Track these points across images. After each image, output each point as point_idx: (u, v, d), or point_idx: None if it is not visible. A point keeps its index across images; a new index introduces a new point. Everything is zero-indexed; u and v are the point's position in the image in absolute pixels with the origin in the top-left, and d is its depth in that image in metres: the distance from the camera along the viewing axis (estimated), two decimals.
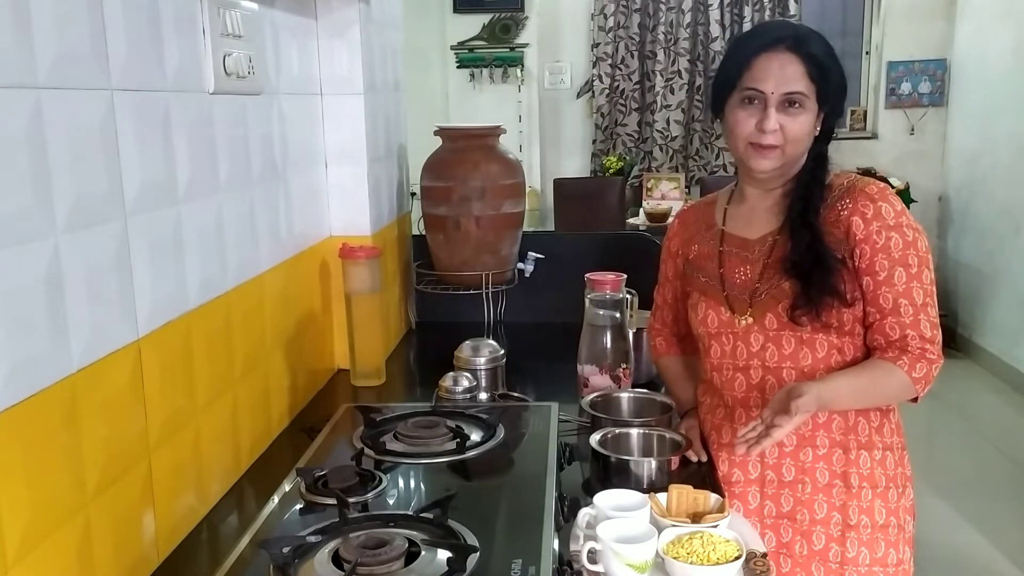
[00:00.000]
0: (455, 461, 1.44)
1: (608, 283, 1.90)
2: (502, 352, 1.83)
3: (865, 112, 6.05)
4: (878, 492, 1.47)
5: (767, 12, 5.68)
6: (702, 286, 1.58)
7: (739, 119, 1.46)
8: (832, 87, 1.44)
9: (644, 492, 1.31)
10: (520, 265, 2.45)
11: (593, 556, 1.17)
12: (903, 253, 1.41)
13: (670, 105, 5.89)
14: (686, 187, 5.60)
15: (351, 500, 1.25)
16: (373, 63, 2.12)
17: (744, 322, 1.50)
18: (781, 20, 1.36)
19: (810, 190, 1.47)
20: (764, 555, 1.22)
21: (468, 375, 1.74)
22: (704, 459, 1.54)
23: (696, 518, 1.27)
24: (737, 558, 1.16)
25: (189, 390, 1.35)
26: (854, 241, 1.42)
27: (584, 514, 1.25)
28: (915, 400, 1.43)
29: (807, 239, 1.44)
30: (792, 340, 1.46)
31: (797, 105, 1.42)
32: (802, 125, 1.43)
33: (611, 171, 5.49)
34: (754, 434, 1.33)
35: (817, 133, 1.48)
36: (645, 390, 1.80)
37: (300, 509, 1.29)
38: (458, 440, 1.48)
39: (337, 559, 1.10)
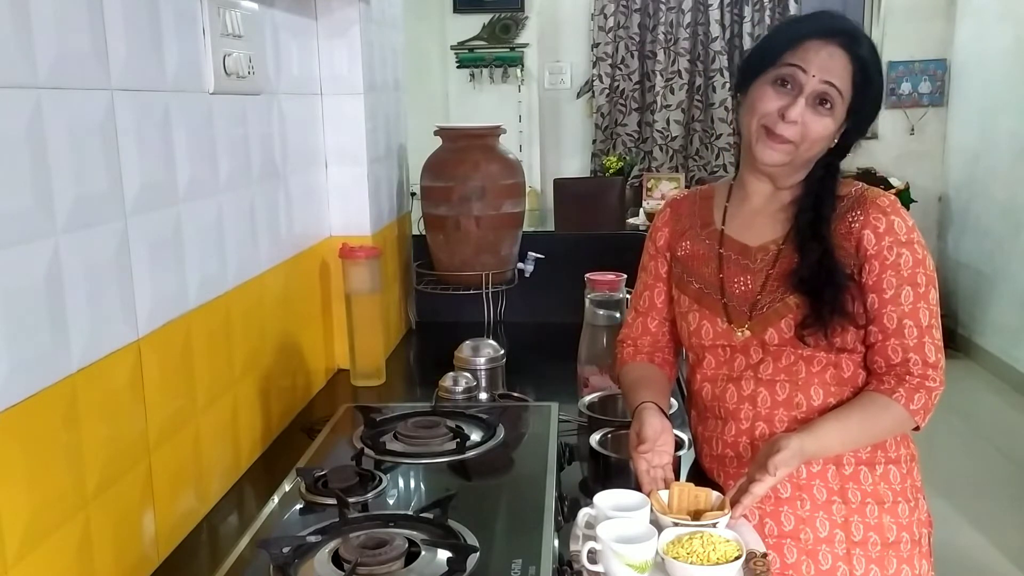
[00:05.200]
0: (455, 461, 1.44)
1: (608, 283, 1.90)
2: (502, 352, 1.83)
3: None
4: (886, 508, 1.40)
5: (767, 12, 5.68)
6: (695, 293, 1.48)
7: (765, 94, 1.36)
8: (868, 100, 1.36)
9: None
10: (520, 265, 2.45)
11: (593, 556, 1.17)
12: (912, 271, 1.34)
13: (670, 105, 5.89)
14: (686, 187, 5.60)
15: (351, 500, 1.25)
16: (373, 63, 2.12)
17: (742, 335, 1.42)
18: (839, 13, 1.27)
19: (820, 199, 1.39)
20: (764, 555, 1.22)
21: (468, 375, 1.74)
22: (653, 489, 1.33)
23: (697, 515, 1.27)
24: (737, 558, 1.15)
25: (189, 390, 1.35)
26: (864, 256, 1.36)
27: (584, 514, 1.25)
28: (916, 429, 1.37)
29: (817, 253, 1.36)
30: (792, 355, 1.39)
31: (828, 105, 1.34)
32: (825, 127, 1.35)
33: (611, 171, 5.47)
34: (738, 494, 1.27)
35: (833, 145, 1.39)
36: None
37: (300, 509, 1.29)
38: (458, 440, 1.48)
39: (337, 559, 1.10)
